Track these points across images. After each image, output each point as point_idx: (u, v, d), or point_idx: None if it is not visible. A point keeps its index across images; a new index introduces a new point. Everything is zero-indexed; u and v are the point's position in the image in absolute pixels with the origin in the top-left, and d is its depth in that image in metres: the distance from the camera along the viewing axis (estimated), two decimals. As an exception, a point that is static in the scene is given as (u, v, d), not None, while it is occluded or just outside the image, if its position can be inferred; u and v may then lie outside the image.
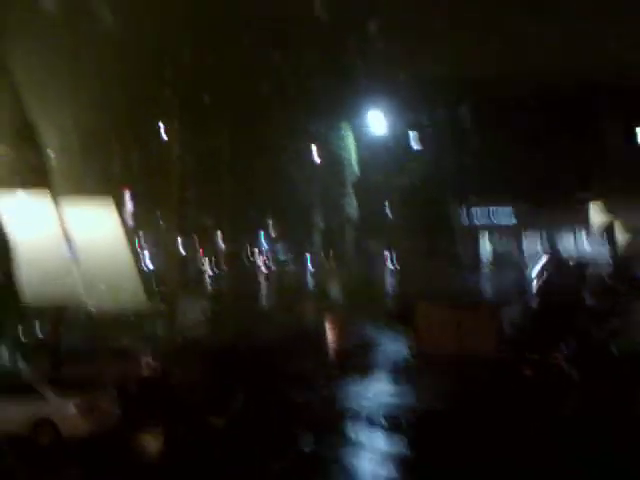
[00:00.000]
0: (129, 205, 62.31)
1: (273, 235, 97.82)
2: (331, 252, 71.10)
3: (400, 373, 28.38)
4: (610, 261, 73.45)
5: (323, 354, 32.20)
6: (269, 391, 24.96)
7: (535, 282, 60.04)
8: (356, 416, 22.42)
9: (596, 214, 69.57)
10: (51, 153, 33.68)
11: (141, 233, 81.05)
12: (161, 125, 39.31)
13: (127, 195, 62.25)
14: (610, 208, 67.65)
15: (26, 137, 28.89)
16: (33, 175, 27.86)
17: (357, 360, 31.29)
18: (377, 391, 25.30)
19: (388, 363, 30.18)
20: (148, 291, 28.56)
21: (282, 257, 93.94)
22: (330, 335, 35.63)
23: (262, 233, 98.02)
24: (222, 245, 71.16)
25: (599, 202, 72.56)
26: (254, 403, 23.58)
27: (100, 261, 24.63)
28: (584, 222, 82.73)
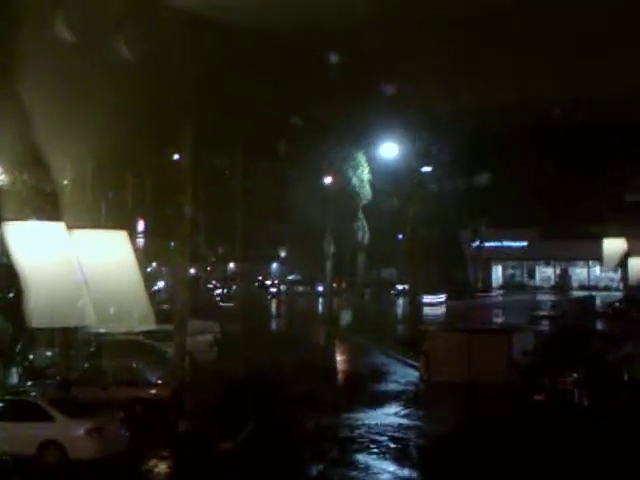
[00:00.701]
0: (142, 233, 62.66)
1: (285, 261, 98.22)
2: (343, 279, 71.17)
3: (410, 400, 28.18)
4: (622, 289, 73.32)
5: (333, 380, 32.07)
6: (279, 417, 24.81)
7: (548, 309, 59.92)
8: (365, 443, 22.22)
9: (610, 246, 69.34)
10: (64, 182, 33.77)
11: (154, 260, 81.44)
12: (175, 155, 39.39)
13: (140, 223, 62.61)
14: (622, 240, 67.48)
15: (39, 165, 28.92)
16: (46, 204, 27.90)
17: (367, 387, 31.12)
18: (387, 418, 25.09)
19: (398, 390, 30.00)
20: (158, 315, 28.49)
21: (294, 282, 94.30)
22: (340, 361, 35.54)
23: (275, 259, 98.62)
24: (234, 271, 71.52)
25: (612, 234, 72.47)
26: (264, 429, 23.42)
27: (111, 286, 24.59)
28: (597, 253, 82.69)
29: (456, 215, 72.77)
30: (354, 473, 19.43)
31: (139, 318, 26.60)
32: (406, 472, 19.70)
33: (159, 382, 25.03)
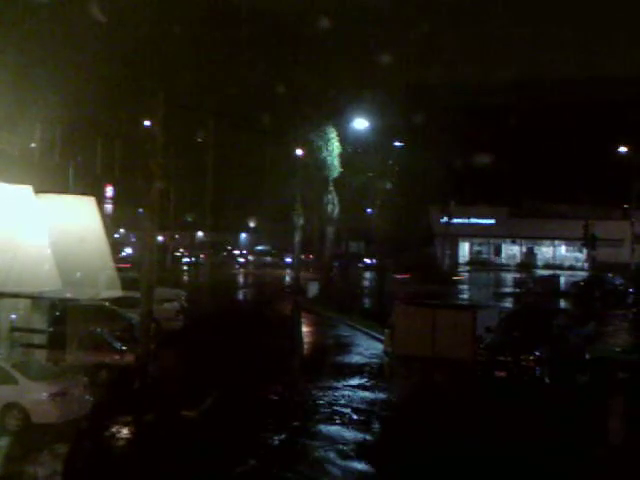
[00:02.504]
0: (111, 199, 62.21)
1: (254, 232, 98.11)
2: (311, 251, 71.23)
3: (374, 372, 28.32)
4: (587, 269, 74.04)
5: (298, 351, 32.15)
6: (243, 386, 24.89)
7: (512, 287, 60.41)
8: (328, 413, 22.33)
9: (576, 225, 69.97)
10: (32, 145, 33.38)
11: (122, 227, 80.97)
12: (145, 121, 39.15)
13: (109, 189, 62.17)
14: (590, 220, 68.05)
15: (6, 128, 28.56)
16: (13, 166, 27.57)
17: (332, 359, 31.24)
18: (350, 390, 25.20)
19: (363, 362, 30.12)
20: (125, 282, 28.36)
21: (262, 253, 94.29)
22: (305, 332, 35.60)
23: (244, 229, 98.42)
24: (203, 240, 71.27)
25: (580, 214, 73.10)
26: (227, 398, 23.49)
27: (78, 252, 24.40)
28: (563, 232, 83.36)
29: (426, 191, 73.05)
30: (316, 443, 19.52)
31: (105, 284, 26.47)
32: (367, 441, 19.83)
33: (124, 348, 24.94)
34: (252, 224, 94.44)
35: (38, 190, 23.70)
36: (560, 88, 72.98)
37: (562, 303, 49.60)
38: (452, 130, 66.74)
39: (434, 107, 57.81)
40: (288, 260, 77.45)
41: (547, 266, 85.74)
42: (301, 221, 54.91)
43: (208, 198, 50.44)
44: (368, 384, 26.30)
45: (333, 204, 51.19)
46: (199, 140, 58.04)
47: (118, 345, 25.18)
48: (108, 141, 52.67)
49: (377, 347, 32.69)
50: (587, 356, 28.12)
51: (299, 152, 52.79)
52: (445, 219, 77.96)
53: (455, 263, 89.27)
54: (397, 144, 57.07)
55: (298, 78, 47.74)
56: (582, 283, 55.62)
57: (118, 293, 27.16)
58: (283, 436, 20.04)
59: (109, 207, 58.43)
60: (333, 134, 50.09)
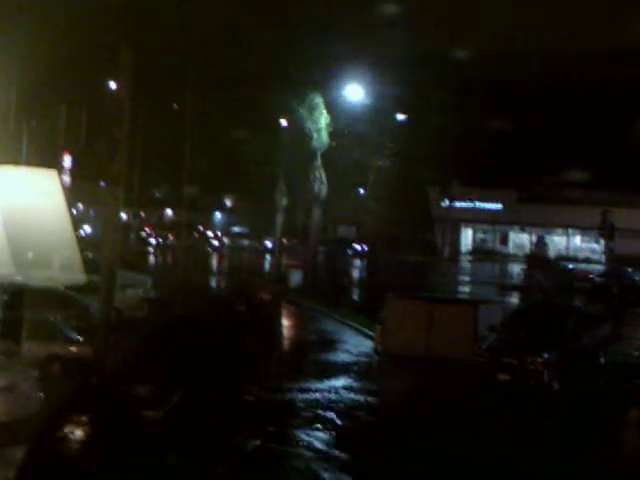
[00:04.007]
0: (70, 172, 61.88)
1: (231, 211, 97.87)
2: (295, 234, 71.16)
3: (363, 373, 28.35)
4: (604, 262, 74.22)
5: (277, 347, 32.16)
6: (214, 385, 24.83)
7: (520, 279, 60.55)
8: (309, 418, 22.33)
9: (593, 213, 70.10)
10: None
11: (82, 202, 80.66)
12: (112, 85, 38.88)
13: (67, 159, 61.80)
14: (608, 208, 68.12)
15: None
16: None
17: (315, 356, 31.26)
18: (335, 392, 25.21)
19: (350, 361, 30.15)
20: (84, 264, 28.18)
21: (239, 235, 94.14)
22: (286, 326, 35.62)
23: (219, 208, 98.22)
24: (172, 219, 71.15)
25: (597, 200, 73.18)
26: (196, 398, 23.42)
27: (32, 231, 24.26)
28: (578, 220, 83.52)
29: (425, 170, 72.93)
30: (294, 451, 19.51)
31: (64, 267, 26.30)
32: (352, 450, 19.80)
33: (80, 339, 24.82)
34: (228, 203, 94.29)
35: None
36: (579, 61, 72.95)
37: (576, 300, 49.72)
38: (457, 103, 66.61)
39: (439, 77, 57.59)
40: (268, 244, 77.41)
41: (560, 258, 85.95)
42: (284, 201, 54.83)
43: (179, 172, 50.18)
44: (355, 386, 26.32)
45: (321, 182, 50.96)
46: (172, 107, 57.87)
47: (73, 335, 25.06)
48: (68, 106, 52.41)
49: (367, 344, 32.71)
50: (602, 360, 28.16)
51: (283, 122, 52.62)
52: (446, 202, 78.05)
53: (456, 252, 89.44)
54: (398, 117, 56.82)
55: (280, 36, 47.40)
56: (598, 278, 55.70)
57: (79, 277, 27.02)
58: (258, 442, 20.01)
59: (67, 179, 58.09)
60: (319, 101, 49.56)
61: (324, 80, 50.44)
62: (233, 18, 44.14)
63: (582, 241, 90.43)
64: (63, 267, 26.13)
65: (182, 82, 49.61)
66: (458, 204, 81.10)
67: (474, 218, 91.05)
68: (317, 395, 24.67)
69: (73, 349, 24.46)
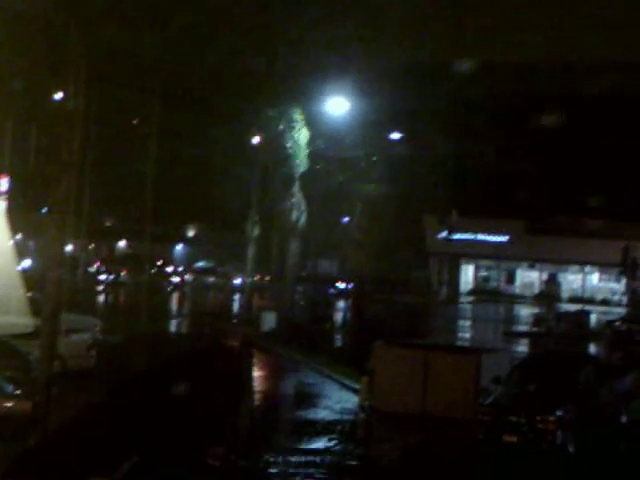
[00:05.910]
0: (4, 194, 61.75)
1: (194, 243, 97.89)
2: (268, 270, 71.12)
3: (346, 433, 28.27)
4: (625, 304, 74.49)
5: (247, 403, 32.00)
6: (173, 447, 24.67)
7: (529, 324, 60.70)
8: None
9: (612, 248, 70.39)
10: None
11: (20, 233, 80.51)
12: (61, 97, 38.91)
13: (3, 182, 61.69)
14: (630, 242, 68.41)
15: None
16: None
17: (291, 414, 31.17)
18: (313, 457, 25.12)
19: (331, 419, 30.08)
20: (23, 306, 28.12)
21: (204, 271, 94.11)
22: (258, 378, 35.49)
23: (181, 239, 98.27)
24: (126, 251, 71.09)
25: (618, 233, 73.50)
26: (152, 463, 23.24)
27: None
28: (595, 255, 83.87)
29: (421, 197, 73.17)
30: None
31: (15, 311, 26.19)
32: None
33: (17, 393, 24.70)
34: (191, 232, 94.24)
35: None
36: (596, 77, 73.51)
37: (593, 348, 49.85)
38: (458, 122, 66.99)
39: (438, 93, 57.96)
40: (237, 282, 77.33)
41: (574, 299, 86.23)
42: (256, 231, 54.75)
43: (135, 198, 50.09)
44: (338, 448, 26.23)
45: (299, 210, 50.94)
46: (130, 123, 57.91)
47: (10, 389, 24.94)
48: (7, 120, 52.32)
49: (351, 399, 32.64)
50: (624, 418, 28.18)
51: (256, 140, 52.62)
52: (444, 234, 78.15)
53: (455, 292, 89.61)
54: (391, 136, 56.95)
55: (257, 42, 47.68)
56: (619, 322, 55.92)
57: (31, 323, 26.99)
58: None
59: (2, 205, 57.89)
60: (299, 117, 49.67)
61: (305, 92, 50.55)
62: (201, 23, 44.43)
63: (600, 280, 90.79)
64: (7, 311, 26.08)
65: (144, 96, 49.64)
66: (458, 236, 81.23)
67: (476, 253, 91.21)
68: (294, 459, 24.58)
69: (9, 405, 24.32)
